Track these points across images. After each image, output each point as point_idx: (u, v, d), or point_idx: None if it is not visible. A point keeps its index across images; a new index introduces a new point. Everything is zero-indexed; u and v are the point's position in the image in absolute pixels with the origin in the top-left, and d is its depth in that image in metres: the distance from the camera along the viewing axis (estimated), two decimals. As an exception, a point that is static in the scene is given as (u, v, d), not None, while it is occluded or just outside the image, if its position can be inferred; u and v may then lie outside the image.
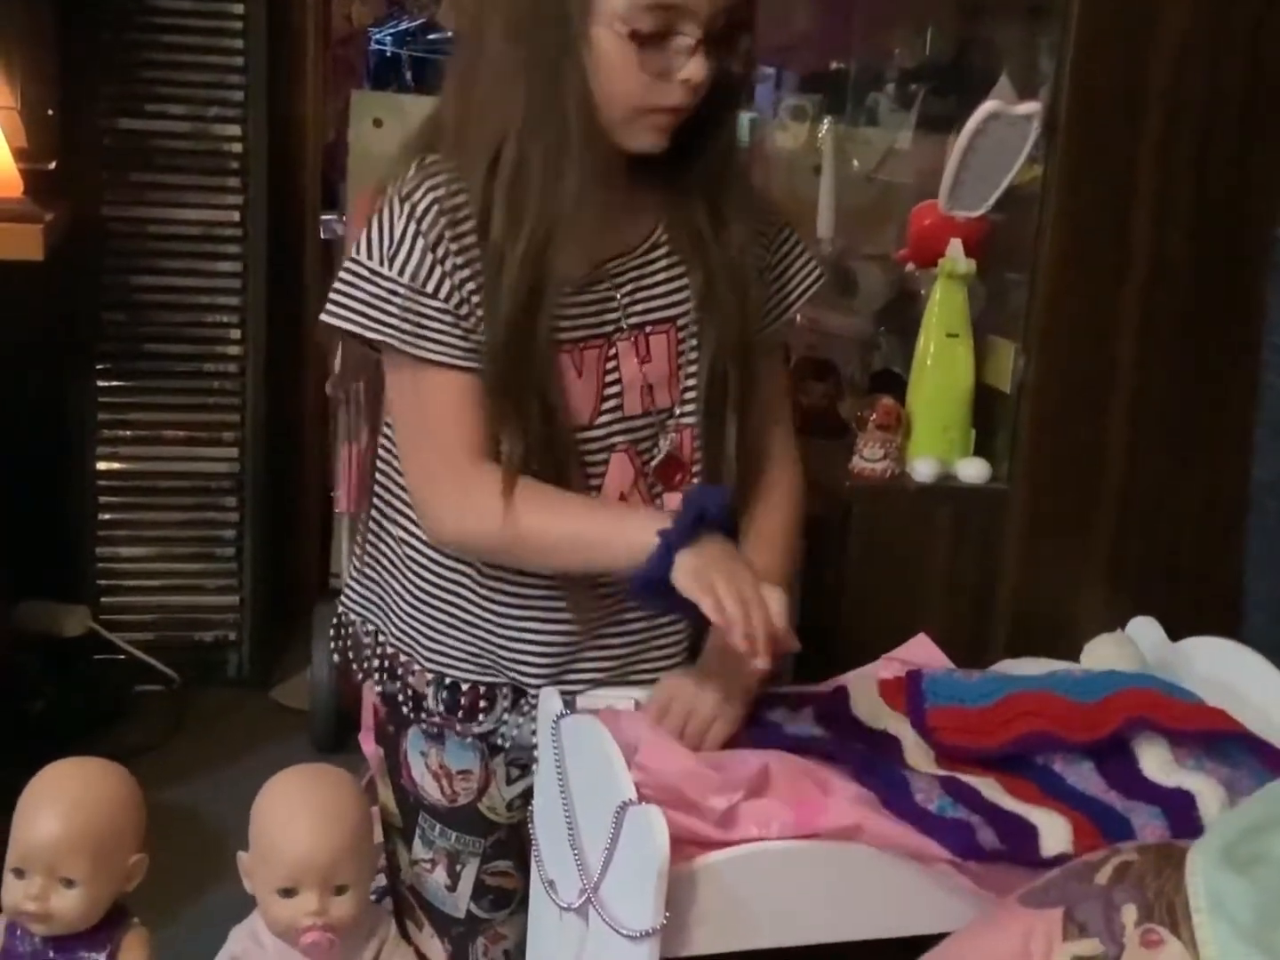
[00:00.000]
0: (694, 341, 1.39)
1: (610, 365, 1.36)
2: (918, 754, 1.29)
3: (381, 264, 1.29)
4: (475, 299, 1.30)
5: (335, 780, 1.41)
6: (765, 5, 1.41)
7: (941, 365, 1.86)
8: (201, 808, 2.44)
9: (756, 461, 1.45)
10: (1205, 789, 1.21)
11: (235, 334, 2.97)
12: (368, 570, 1.48)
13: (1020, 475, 1.84)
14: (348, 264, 1.32)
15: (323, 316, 1.32)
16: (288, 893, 1.34)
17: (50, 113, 2.54)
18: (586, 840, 1.23)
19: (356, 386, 2.53)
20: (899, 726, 1.33)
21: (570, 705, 1.31)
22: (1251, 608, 1.65)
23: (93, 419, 2.94)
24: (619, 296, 1.36)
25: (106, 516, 3.00)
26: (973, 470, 1.86)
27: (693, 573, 1.20)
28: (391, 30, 4.73)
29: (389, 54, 4.90)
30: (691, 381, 1.40)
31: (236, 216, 2.93)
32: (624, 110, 1.28)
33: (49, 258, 2.24)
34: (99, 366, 2.93)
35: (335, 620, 1.52)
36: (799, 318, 1.93)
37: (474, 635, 1.39)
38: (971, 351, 1.86)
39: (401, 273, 1.29)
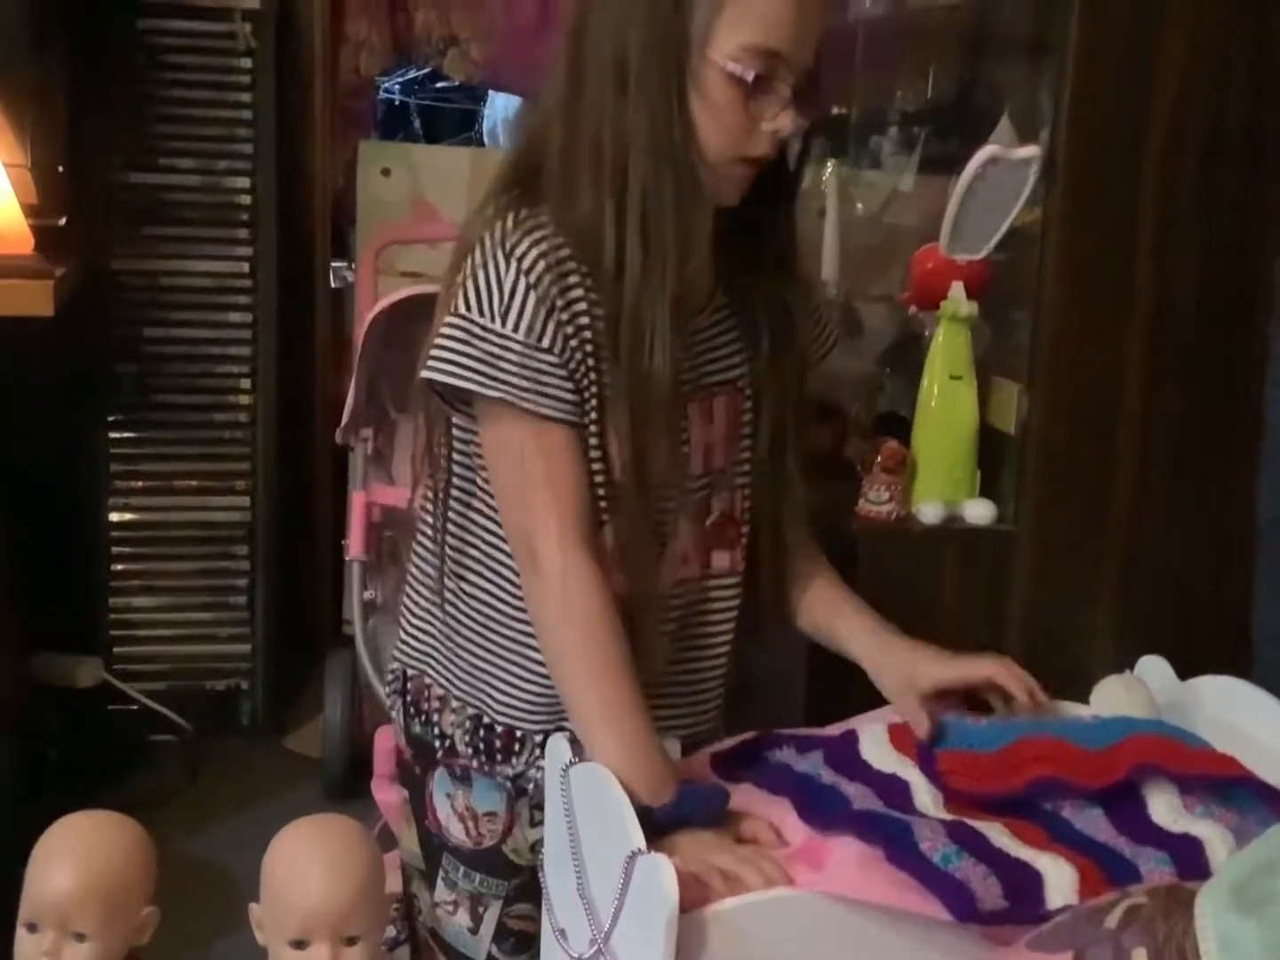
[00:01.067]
0: (749, 404, 1.40)
1: (683, 426, 1.36)
2: (926, 798, 1.29)
3: (494, 320, 1.27)
4: (580, 355, 1.28)
5: (345, 830, 1.40)
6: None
7: (945, 407, 1.87)
8: (215, 857, 2.44)
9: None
10: (1213, 835, 1.20)
11: (246, 383, 2.99)
12: (426, 623, 1.46)
13: (1026, 515, 1.85)
14: (454, 320, 1.29)
15: (426, 374, 1.30)
16: (299, 944, 1.33)
17: (60, 169, 2.56)
18: (596, 889, 1.22)
19: (366, 435, 2.58)
20: (907, 771, 1.32)
21: (580, 753, 1.31)
22: (1260, 643, 1.65)
23: (105, 470, 2.96)
24: (691, 358, 1.36)
25: (119, 567, 3.01)
26: (978, 511, 1.87)
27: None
28: (400, 79, 4.77)
29: (397, 103, 4.94)
30: (748, 443, 1.41)
31: (246, 268, 2.96)
32: (719, 154, 1.28)
33: (61, 311, 2.26)
34: (111, 418, 2.95)
35: (393, 674, 1.50)
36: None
37: (544, 686, 1.38)
38: (975, 393, 1.87)
39: (516, 329, 1.26)
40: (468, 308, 1.28)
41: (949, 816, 1.25)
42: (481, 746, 1.41)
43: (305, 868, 1.35)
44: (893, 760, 1.35)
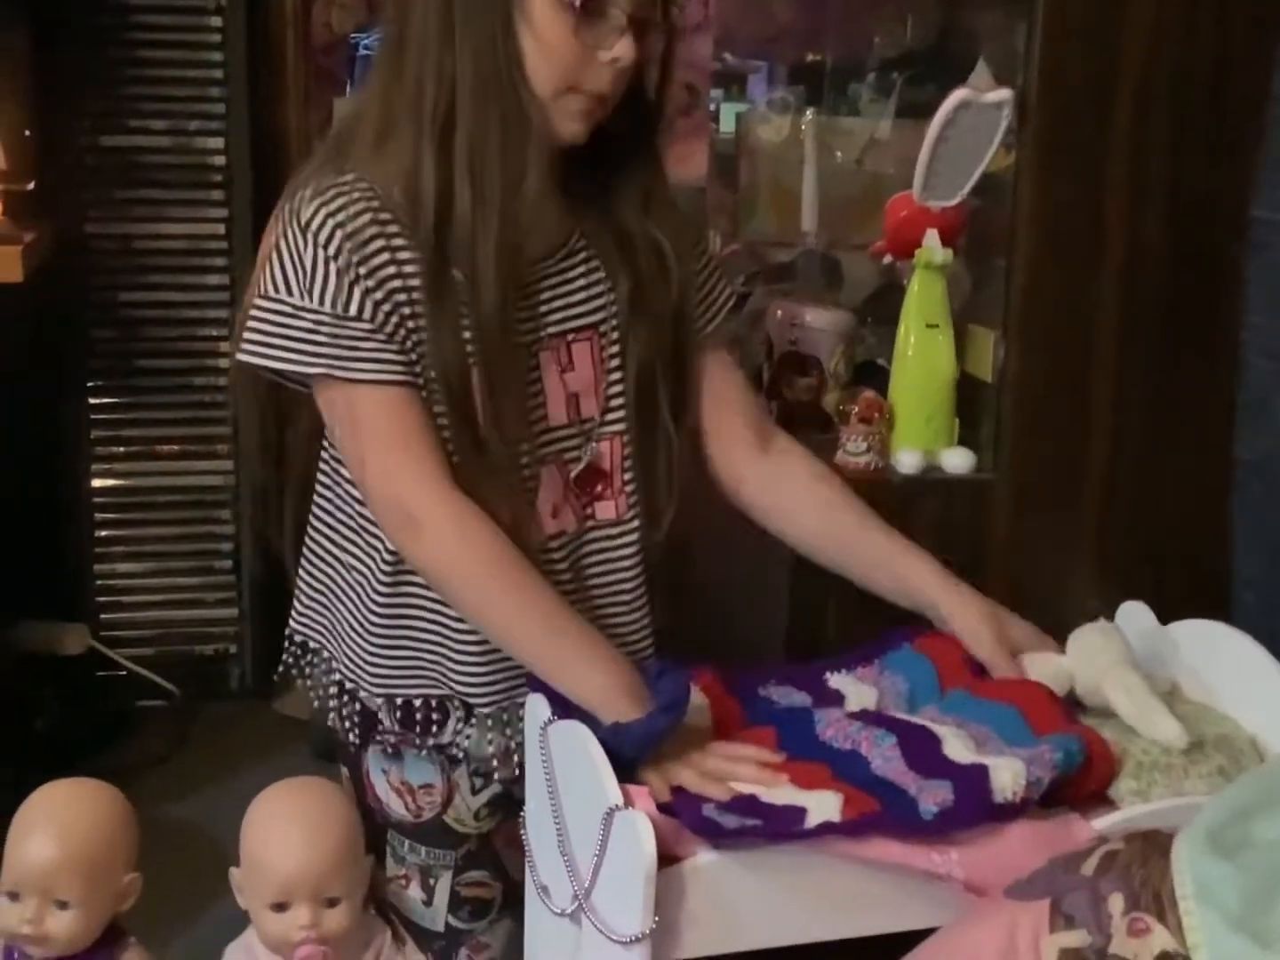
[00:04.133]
0: (617, 349, 1.38)
1: (533, 376, 1.34)
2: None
3: (303, 297, 1.26)
4: (396, 318, 1.27)
5: (324, 792, 1.41)
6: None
7: (922, 356, 1.86)
8: (206, 821, 2.44)
9: (759, 460, 1.45)
10: (1001, 763, 1.20)
11: (224, 346, 2.96)
12: (315, 595, 1.45)
13: (1005, 464, 1.84)
14: (263, 302, 1.28)
15: (241, 356, 1.29)
16: (280, 907, 1.34)
17: (27, 133, 2.53)
18: (577, 846, 1.23)
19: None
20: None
21: (558, 711, 1.31)
22: (1240, 588, 1.66)
23: (85, 436, 2.95)
24: (539, 303, 1.34)
25: (103, 533, 3.00)
26: (957, 460, 1.86)
27: (654, 771, 1.20)
28: (375, 35, 4.72)
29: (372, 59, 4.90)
30: (618, 389, 1.38)
31: (222, 229, 2.93)
32: (554, 85, 1.25)
33: (34, 277, 2.24)
34: (89, 384, 2.93)
35: (288, 642, 1.48)
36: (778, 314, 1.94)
37: (422, 654, 1.38)
38: (952, 341, 1.86)
39: (323, 302, 1.26)
40: (275, 288, 1.27)
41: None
42: (403, 720, 1.40)
43: (284, 830, 1.36)
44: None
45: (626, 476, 1.40)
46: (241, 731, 2.92)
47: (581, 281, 1.37)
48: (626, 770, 1.19)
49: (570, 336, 1.36)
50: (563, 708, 1.27)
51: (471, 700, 1.38)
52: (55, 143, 2.73)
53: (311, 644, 1.47)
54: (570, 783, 1.25)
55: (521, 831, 1.36)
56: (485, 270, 1.26)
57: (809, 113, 2.56)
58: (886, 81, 2.62)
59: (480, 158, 1.25)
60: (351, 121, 1.34)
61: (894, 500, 1.75)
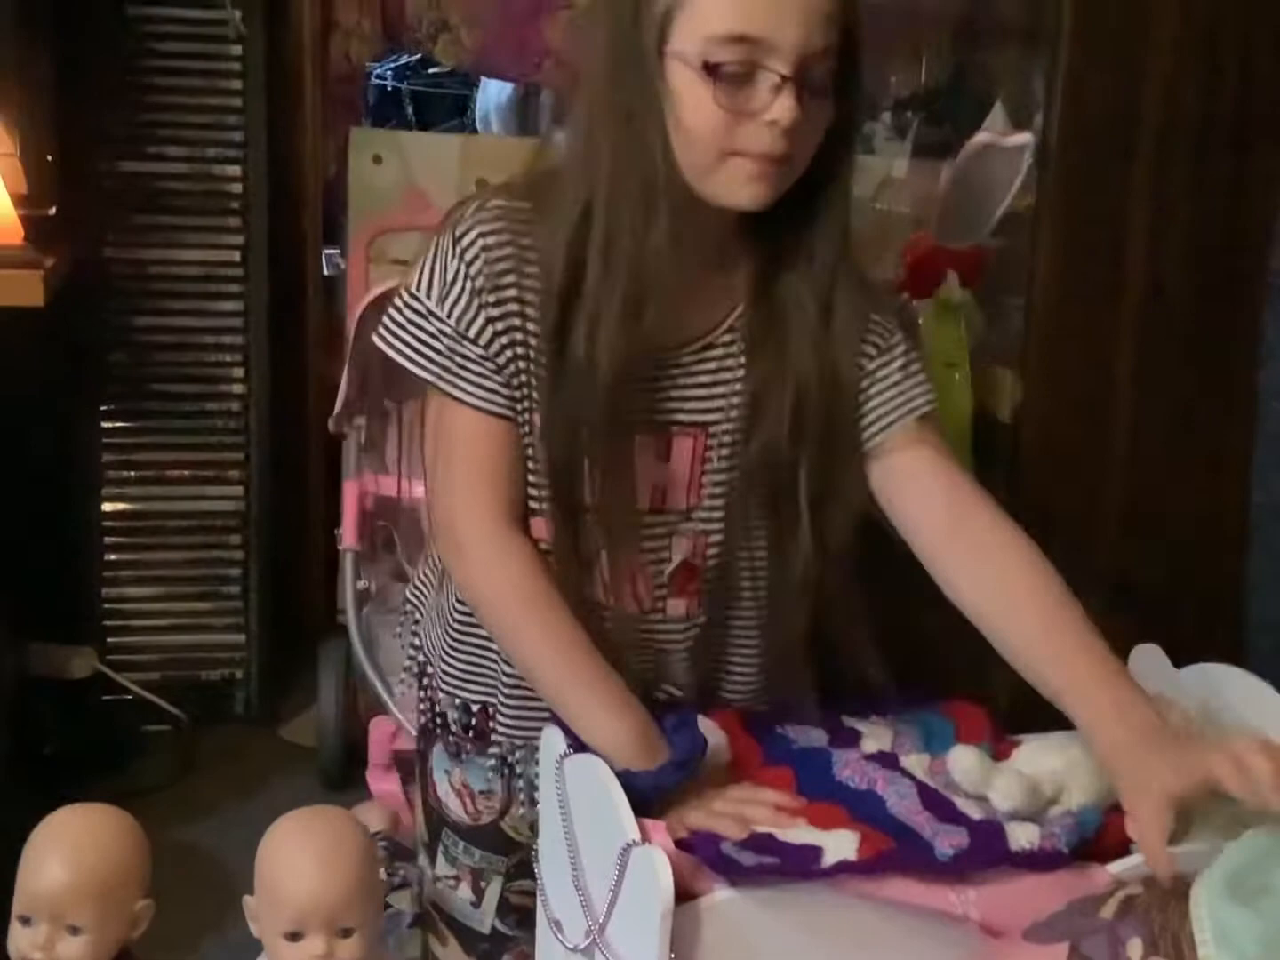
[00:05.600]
0: (727, 451, 1.34)
1: (625, 458, 1.32)
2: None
3: (437, 304, 1.29)
4: (511, 354, 1.28)
5: (340, 822, 1.41)
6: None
7: (940, 395, 1.84)
8: (211, 847, 2.43)
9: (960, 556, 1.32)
10: (1015, 825, 1.19)
11: (238, 372, 2.97)
12: (422, 582, 1.50)
13: (1022, 503, 1.84)
14: (407, 296, 1.32)
15: (377, 341, 1.33)
16: (294, 936, 1.34)
17: (50, 158, 2.54)
18: (591, 881, 1.22)
19: (359, 424, 2.57)
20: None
21: (574, 744, 1.31)
22: (1255, 631, 1.65)
23: (97, 460, 2.94)
24: (654, 391, 1.31)
25: (112, 557, 2.99)
26: (974, 499, 1.86)
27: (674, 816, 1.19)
28: (391, 65, 4.75)
29: (389, 88, 4.93)
30: (717, 490, 1.34)
31: (238, 256, 2.94)
32: (706, 155, 1.21)
33: (52, 301, 2.25)
34: (103, 408, 2.93)
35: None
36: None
37: (488, 663, 1.40)
38: (969, 381, 1.86)
39: (449, 314, 1.28)
40: (418, 286, 1.30)
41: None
42: (471, 726, 1.42)
43: (299, 860, 1.35)
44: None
45: (708, 576, 1.37)
46: (248, 757, 2.91)
47: (707, 379, 1.32)
48: (643, 805, 1.19)
49: (674, 430, 1.33)
50: (579, 740, 1.27)
51: (509, 724, 1.40)
52: (75, 167, 2.73)
53: (418, 654, 1.49)
54: (586, 816, 1.25)
55: (534, 864, 1.36)
56: (600, 354, 1.24)
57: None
58: (902, 120, 2.63)
59: (613, 236, 1.23)
60: (526, 172, 1.35)
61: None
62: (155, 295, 2.92)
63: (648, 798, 1.19)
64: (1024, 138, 1.75)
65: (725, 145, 1.21)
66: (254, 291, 2.95)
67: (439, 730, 1.45)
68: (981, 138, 1.74)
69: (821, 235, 1.29)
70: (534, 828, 1.43)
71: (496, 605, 1.30)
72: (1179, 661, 1.46)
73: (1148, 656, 1.48)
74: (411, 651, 1.50)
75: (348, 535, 2.58)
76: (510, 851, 1.46)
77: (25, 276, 2.19)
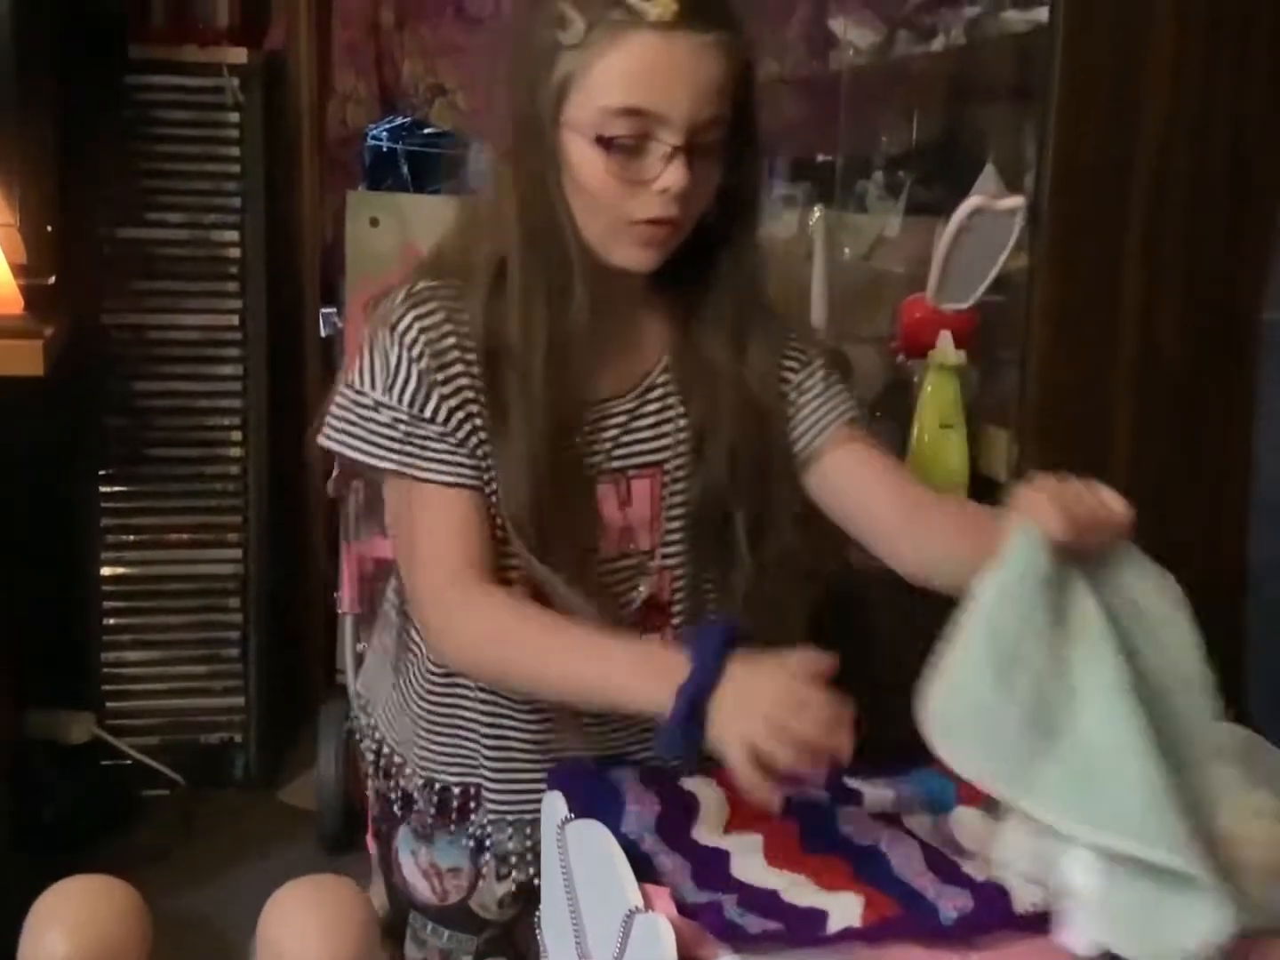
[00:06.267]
0: (680, 486, 1.38)
1: (589, 506, 1.36)
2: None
3: (384, 394, 1.30)
4: (469, 427, 1.30)
5: (340, 890, 1.41)
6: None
7: (936, 456, 1.88)
8: (211, 912, 2.42)
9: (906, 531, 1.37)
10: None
11: (236, 436, 2.99)
12: (373, 668, 1.50)
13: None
14: (348, 391, 1.32)
15: (323, 441, 1.33)
16: (295, 1006, 1.33)
17: (49, 228, 2.56)
18: (594, 948, 1.22)
19: (358, 487, 2.57)
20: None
21: (575, 809, 1.30)
22: (1253, 691, 1.65)
23: (96, 524, 2.95)
24: (603, 440, 1.36)
25: (111, 621, 3.00)
26: (972, 558, 1.86)
27: (728, 737, 1.11)
28: (387, 126, 4.78)
29: (385, 149, 4.96)
30: (676, 524, 1.39)
31: (236, 320, 2.96)
32: (604, 223, 1.27)
33: (51, 368, 2.25)
34: (102, 472, 2.94)
35: (348, 713, 1.53)
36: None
37: (462, 743, 1.40)
38: (965, 441, 1.87)
39: (401, 401, 1.30)
40: (361, 382, 1.31)
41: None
42: (439, 805, 1.42)
43: (301, 929, 1.35)
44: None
45: (676, 609, 1.41)
46: (247, 821, 2.90)
47: (652, 420, 1.38)
48: (644, 869, 1.18)
49: (631, 473, 1.37)
50: (580, 806, 1.27)
51: (494, 800, 1.39)
52: (74, 234, 2.75)
53: (364, 716, 1.50)
54: (588, 882, 1.24)
55: (537, 931, 1.35)
56: (533, 412, 1.28)
57: (817, 209, 2.60)
58: (894, 178, 2.65)
59: (526, 302, 1.28)
60: (437, 251, 1.38)
61: (907, 600, 1.75)
62: (154, 360, 2.94)
63: (698, 697, 1.13)
64: (1016, 200, 1.76)
65: (619, 212, 1.26)
66: (253, 356, 2.97)
67: (402, 813, 1.44)
68: (973, 201, 1.76)
69: (730, 289, 1.35)
70: (502, 903, 1.44)
71: (492, 639, 1.27)
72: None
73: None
74: (368, 742, 1.49)
75: (347, 600, 2.59)
76: (478, 930, 1.45)
77: (25, 346, 2.20)
